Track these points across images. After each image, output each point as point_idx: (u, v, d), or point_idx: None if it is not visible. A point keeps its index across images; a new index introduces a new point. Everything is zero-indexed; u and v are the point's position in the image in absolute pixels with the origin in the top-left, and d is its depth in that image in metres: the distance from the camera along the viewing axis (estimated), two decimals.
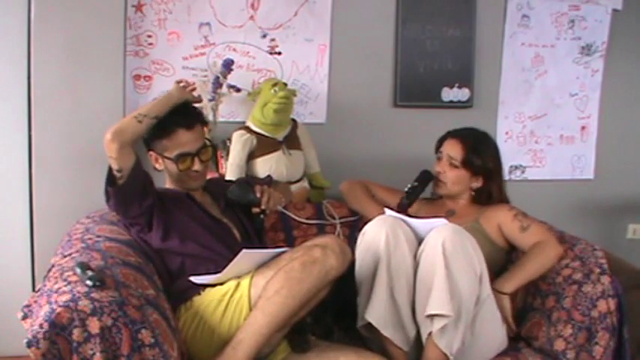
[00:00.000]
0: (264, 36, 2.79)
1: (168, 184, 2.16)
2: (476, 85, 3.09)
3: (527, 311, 2.15)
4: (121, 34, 2.55)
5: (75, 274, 1.68)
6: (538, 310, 2.11)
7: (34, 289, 2.49)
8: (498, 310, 2.04)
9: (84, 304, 1.53)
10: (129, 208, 1.98)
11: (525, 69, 3.17)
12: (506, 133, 3.20)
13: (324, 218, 2.56)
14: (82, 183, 2.50)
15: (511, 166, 3.20)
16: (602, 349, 1.94)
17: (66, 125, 2.50)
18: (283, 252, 1.92)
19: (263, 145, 2.59)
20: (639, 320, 2.00)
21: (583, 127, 3.31)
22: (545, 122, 3.24)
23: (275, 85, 2.58)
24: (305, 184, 2.73)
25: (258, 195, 2.14)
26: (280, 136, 2.63)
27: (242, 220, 2.19)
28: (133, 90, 2.66)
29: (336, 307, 2.06)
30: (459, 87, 3.06)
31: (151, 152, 2.08)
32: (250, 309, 1.81)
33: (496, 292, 2.03)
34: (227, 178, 2.53)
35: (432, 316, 1.87)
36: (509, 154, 3.14)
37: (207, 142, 2.11)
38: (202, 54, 2.72)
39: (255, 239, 2.18)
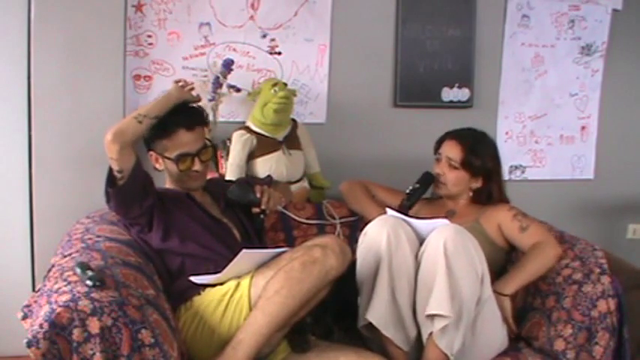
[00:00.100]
0: (264, 36, 2.79)
1: (168, 184, 2.16)
2: (476, 85, 3.08)
3: (527, 311, 2.15)
4: (121, 34, 2.55)
5: (75, 274, 1.68)
6: (538, 310, 2.11)
7: (34, 289, 2.49)
8: (499, 311, 2.04)
9: (84, 304, 1.53)
10: (129, 208, 1.98)
11: (525, 69, 3.17)
12: (506, 133, 3.20)
13: (324, 218, 2.56)
14: (82, 183, 2.50)
15: (511, 166, 3.20)
16: (602, 349, 1.94)
17: (66, 125, 2.50)
18: (283, 252, 1.92)
19: (263, 145, 2.59)
20: (639, 320, 2.00)
21: (583, 127, 3.31)
22: (545, 122, 3.24)
23: (275, 85, 2.58)
24: (305, 184, 2.73)
25: (258, 195, 2.14)
26: (280, 136, 2.63)
27: (242, 220, 2.19)
28: (133, 90, 2.66)
29: (336, 307, 2.06)
30: (459, 87, 3.06)
31: (151, 152, 2.08)
32: (250, 309, 1.81)
33: (496, 293, 2.03)
34: (227, 178, 2.53)
35: (432, 317, 1.87)
36: (509, 154, 3.15)
37: (208, 143, 2.11)
38: (202, 54, 2.72)
39: (255, 239, 2.18)
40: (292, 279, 1.76)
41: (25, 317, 1.64)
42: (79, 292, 1.57)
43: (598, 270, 2.04)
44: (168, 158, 2.04)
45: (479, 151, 2.28)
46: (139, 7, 2.62)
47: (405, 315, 1.94)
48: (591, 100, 3.29)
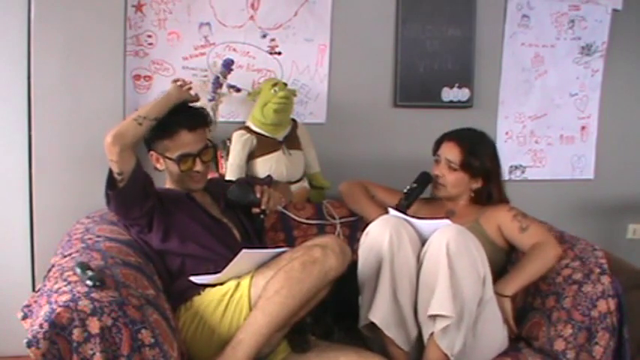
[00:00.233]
0: (264, 36, 2.79)
1: (168, 184, 2.16)
2: (476, 85, 3.08)
3: (527, 311, 2.15)
4: (121, 34, 2.55)
5: (75, 274, 1.68)
6: (538, 310, 2.11)
7: (34, 289, 2.49)
8: (500, 311, 2.04)
9: (84, 304, 1.53)
10: (130, 210, 1.98)
11: (525, 69, 3.17)
12: (506, 133, 3.20)
13: (324, 218, 2.56)
14: (82, 183, 2.50)
15: (511, 166, 3.20)
16: (602, 349, 1.94)
17: (66, 125, 2.50)
18: (283, 252, 1.91)
19: (263, 145, 2.59)
20: (639, 320, 2.00)
21: (583, 127, 3.31)
22: (545, 122, 3.24)
23: (275, 85, 2.58)
24: (305, 184, 2.73)
25: (258, 195, 2.14)
26: (280, 136, 2.63)
27: (242, 220, 2.18)
28: (133, 90, 2.66)
29: (336, 307, 2.06)
30: (459, 87, 3.06)
31: (152, 152, 2.07)
32: (250, 309, 1.81)
33: (497, 294, 2.03)
34: (227, 178, 2.53)
35: (434, 317, 1.87)
36: (509, 154, 3.15)
37: (209, 143, 2.11)
38: (202, 54, 2.72)
39: (255, 239, 2.18)
40: (292, 279, 1.76)
41: (25, 317, 1.63)
42: (79, 292, 1.57)
43: (598, 270, 2.03)
44: (170, 158, 2.04)
45: (478, 152, 2.28)
46: (139, 7, 2.62)
47: (407, 315, 1.94)
48: (591, 100, 3.29)
